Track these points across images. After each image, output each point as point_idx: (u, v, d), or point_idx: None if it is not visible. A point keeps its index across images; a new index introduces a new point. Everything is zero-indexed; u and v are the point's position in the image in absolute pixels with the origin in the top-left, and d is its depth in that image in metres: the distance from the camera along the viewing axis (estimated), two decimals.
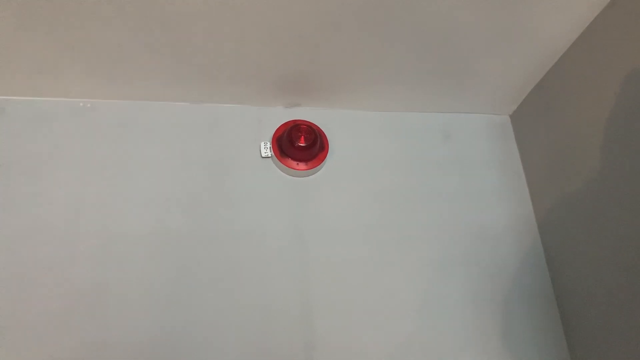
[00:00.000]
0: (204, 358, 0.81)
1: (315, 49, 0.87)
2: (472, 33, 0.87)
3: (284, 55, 0.88)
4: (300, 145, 0.91)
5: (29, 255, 0.82)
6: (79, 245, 0.84)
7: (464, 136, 1.05)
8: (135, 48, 0.84)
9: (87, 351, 0.78)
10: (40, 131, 0.91)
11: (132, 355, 0.79)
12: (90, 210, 0.86)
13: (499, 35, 0.88)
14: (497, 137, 1.06)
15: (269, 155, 0.95)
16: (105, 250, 0.84)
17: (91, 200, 0.87)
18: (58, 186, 0.87)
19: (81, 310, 0.80)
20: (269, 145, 0.95)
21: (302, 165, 0.94)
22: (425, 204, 0.98)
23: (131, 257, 0.85)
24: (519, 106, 1.05)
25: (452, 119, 1.06)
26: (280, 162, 0.93)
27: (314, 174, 0.96)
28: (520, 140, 1.05)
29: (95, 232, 0.85)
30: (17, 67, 0.86)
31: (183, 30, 0.81)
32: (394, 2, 0.79)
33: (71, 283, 0.81)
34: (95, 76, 0.90)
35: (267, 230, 0.91)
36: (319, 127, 0.97)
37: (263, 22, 0.80)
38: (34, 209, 0.85)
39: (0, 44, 0.80)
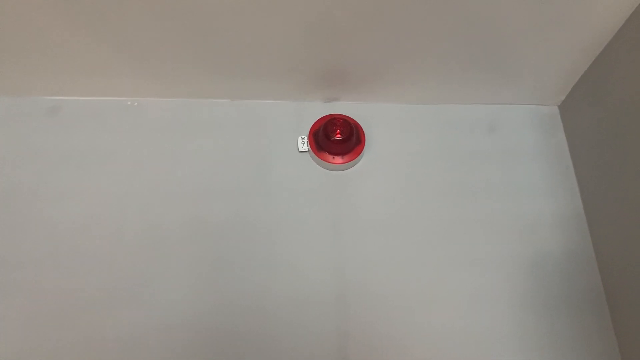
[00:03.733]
0: (240, 344, 0.83)
1: (352, 41, 0.87)
2: (515, 19, 0.83)
3: (321, 49, 0.89)
4: (335, 139, 0.91)
5: (76, 244, 0.87)
6: (125, 235, 0.89)
7: (509, 128, 1.01)
8: (176, 47, 0.87)
9: (130, 334, 0.82)
10: (91, 129, 0.96)
11: (171, 339, 0.83)
12: (136, 203, 0.91)
13: (544, 21, 0.83)
14: (544, 128, 1.02)
15: (306, 150, 0.96)
16: (149, 240, 0.88)
17: (137, 193, 0.92)
18: (106, 180, 0.92)
19: (125, 297, 0.84)
20: (305, 139, 0.96)
21: (338, 159, 0.94)
22: (467, 199, 0.95)
23: (173, 247, 0.88)
24: (568, 95, 1.00)
25: (496, 111, 1.02)
26: (317, 156, 0.94)
27: (350, 167, 0.96)
28: (569, 131, 1.00)
29: (140, 224, 0.89)
30: (71, 67, 0.91)
31: (221, 28, 0.83)
32: None
33: (116, 271, 0.86)
34: (141, 76, 0.94)
35: (303, 222, 0.92)
36: (355, 121, 0.96)
37: (299, 14, 0.81)
38: (83, 201, 0.90)
39: (55, 46, 0.86)
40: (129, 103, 0.99)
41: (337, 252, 0.90)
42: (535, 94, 1.02)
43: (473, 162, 0.98)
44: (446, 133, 1.00)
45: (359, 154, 0.95)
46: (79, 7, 0.78)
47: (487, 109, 1.03)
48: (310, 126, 0.97)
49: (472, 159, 0.98)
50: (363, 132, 0.96)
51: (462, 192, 0.96)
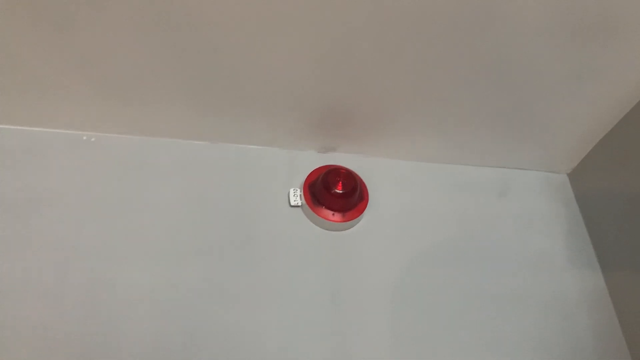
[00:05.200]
0: None
1: (357, 81, 0.77)
2: (538, 78, 0.78)
3: (321, 87, 0.78)
4: (337, 191, 0.78)
5: (9, 311, 0.66)
6: (70, 301, 0.68)
7: (520, 194, 0.93)
8: (150, 73, 0.74)
9: None
10: (32, 166, 0.77)
11: None
12: (85, 259, 0.71)
13: (564, 79, 0.78)
14: (555, 196, 0.95)
15: (299, 204, 0.81)
16: (101, 306, 0.68)
17: (87, 247, 0.72)
18: (49, 230, 0.73)
19: None
20: (299, 192, 0.82)
21: (337, 216, 0.80)
22: (479, 267, 0.83)
23: (131, 317, 0.69)
24: (580, 164, 0.94)
25: (506, 175, 0.95)
26: (313, 211, 0.79)
27: (351, 227, 0.82)
28: (581, 201, 0.93)
29: (90, 286, 0.69)
30: (10, 89, 0.74)
31: (203, 52, 0.70)
32: (456, 36, 0.69)
33: (58, 346, 0.65)
34: (102, 105, 0.78)
35: (295, 290, 0.75)
36: (357, 175, 0.84)
37: (300, 43, 0.70)
38: (19, 255, 0.70)
39: None
40: (84, 138, 0.81)
41: (337, 328, 0.73)
42: (545, 160, 0.95)
43: (484, 228, 0.88)
44: (455, 195, 0.90)
45: (362, 211, 0.81)
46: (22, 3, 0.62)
47: (497, 172, 0.95)
48: (303, 178, 0.84)
49: (483, 224, 0.89)
50: (366, 187, 0.84)
51: (475, 260, 0.84)
